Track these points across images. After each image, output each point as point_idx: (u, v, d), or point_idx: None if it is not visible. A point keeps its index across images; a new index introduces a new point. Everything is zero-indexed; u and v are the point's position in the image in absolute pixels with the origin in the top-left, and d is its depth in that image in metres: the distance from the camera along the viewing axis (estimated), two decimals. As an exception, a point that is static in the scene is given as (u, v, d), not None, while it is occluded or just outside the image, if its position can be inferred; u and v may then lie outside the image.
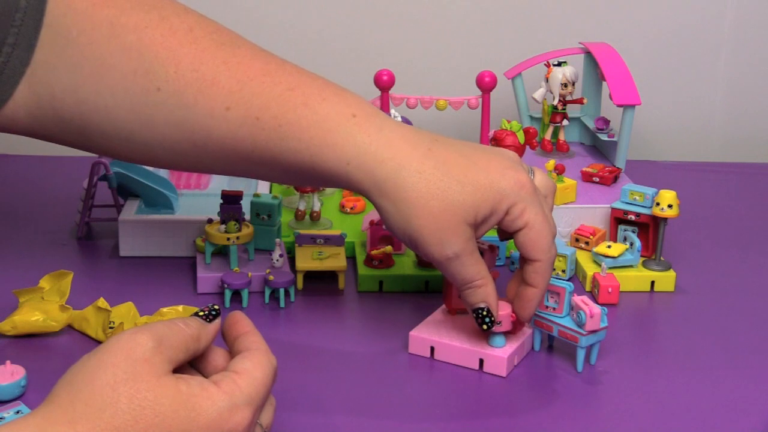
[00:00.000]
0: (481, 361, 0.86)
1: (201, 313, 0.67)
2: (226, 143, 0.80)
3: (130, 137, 0.81)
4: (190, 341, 0.64)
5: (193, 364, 0.67)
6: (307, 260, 1.00)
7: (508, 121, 1.09)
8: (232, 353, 0.67)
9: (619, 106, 1.17)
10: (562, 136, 1.26)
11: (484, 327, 0.83)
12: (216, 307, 0.68)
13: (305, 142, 0.79)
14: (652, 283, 1.03)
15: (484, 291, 0.82)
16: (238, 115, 0.79)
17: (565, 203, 1.10)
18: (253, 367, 0.64)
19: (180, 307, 0.88)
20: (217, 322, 0.67)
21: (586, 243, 1.07)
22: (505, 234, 0.85)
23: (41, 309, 0.88)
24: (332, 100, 0.81)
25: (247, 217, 1.03)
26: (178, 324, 0.64)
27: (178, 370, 0.63)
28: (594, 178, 1.16)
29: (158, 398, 0.59)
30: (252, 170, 0.83)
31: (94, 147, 0.84)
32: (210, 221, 1.01)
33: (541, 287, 0.83)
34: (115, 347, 0.61)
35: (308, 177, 0.81)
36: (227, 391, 0.62)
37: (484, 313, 0.82)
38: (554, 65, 1.23)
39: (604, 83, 1.26)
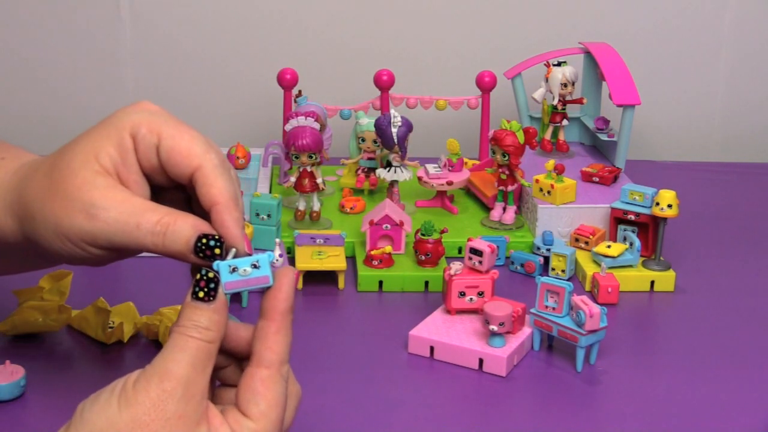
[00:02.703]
0: (481, 361, 0.86)
1: (200, 294, 0.59)
2: None
3: None
4: (209, 364, 0.60)
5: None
6: (307, 260, 1.00)
7: (508, 121, 1.09)
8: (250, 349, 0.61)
9: (619, 106, 1.17)
10: (561, 136, 1.26)
11: (217, 251, 0.60)
12: (209, 272, 0.59)
13: None
14: (652, 283, 1.03)
15: (181, 223, 0.62)
16: None
17: (565, 203, 1.10)
18: (268, 407, 0.60)
19: (180, 307, 0.88)
20: (221, 297, 0.59)
21: (586, 243, 1.07)
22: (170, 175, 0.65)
23: (41, 309, 0.88)
24: None
25: (247, 217, 1.03)
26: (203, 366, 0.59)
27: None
28: (594, 178, 1.16)
29: None
30: None
31: None
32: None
33: (225, 197, 0.63)
34: (144, 407, 0.57)
35: None
36: None
37: (204, 241, 0.61)
38: (554, 65, 1.23)
39: (603, 83, 1.26)
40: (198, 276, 0.59)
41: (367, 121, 1.19)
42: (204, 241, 0.60)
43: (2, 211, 0.67)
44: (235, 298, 0.96)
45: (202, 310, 0.59)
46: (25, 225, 0.66)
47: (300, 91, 1.23)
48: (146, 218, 0.62)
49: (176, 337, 0.59)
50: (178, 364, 0.58)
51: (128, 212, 0.62)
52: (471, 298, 0.91)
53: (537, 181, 1.10)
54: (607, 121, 1.27)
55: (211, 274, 0.58)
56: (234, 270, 0.60)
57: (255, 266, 0.60)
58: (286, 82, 1.22)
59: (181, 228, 0.61)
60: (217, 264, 0.60)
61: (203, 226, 0.61)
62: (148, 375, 0.58)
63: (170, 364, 0.58)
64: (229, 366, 0.64)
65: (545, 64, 1.23)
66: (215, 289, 0.59)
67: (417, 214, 1.14)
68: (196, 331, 0.59)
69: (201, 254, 0.61)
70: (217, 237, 0.61)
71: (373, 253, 1.02)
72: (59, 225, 0.63)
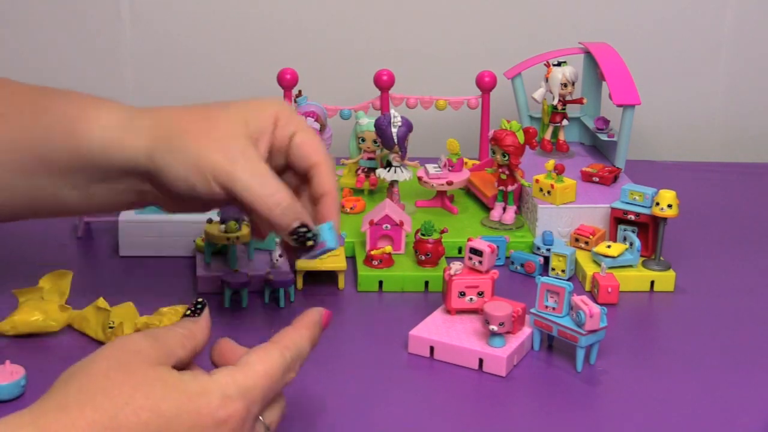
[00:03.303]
0: (481, 361, 0.86)
1: (188, 312, 0.68)
2: None
3: None
4: (184, 339, 0.65)
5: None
6: (307, 260, 1.00)
7: (508, 121, 1.09)
8: None
9: (619, 106, 1.17)
10: (561, 136, 1.26)
11: (309, 243, 0.78)
12: (200, 299, 0.69)
13: (65, 119, 0.79)
14: (652, 282, 1.03)
15: (288, 204, 0.76)
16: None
17: (565, 203, 1.10)
18: (257, 359, 0.65)
19: (180, 307, 0.88)
20: (206, 313, 0.68)
21: (586, 243, 1.07)
22: (286, 160, 0.81)
23: (41, 309, 0.88)
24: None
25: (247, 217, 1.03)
26: (171, 326, 0.66)
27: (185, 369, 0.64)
28: (594, 178, 1.16)
29: (150, 383, 0.59)
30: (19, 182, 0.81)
31: None
32: (210, 221, 1.01)
33: (334, 190, 0.80)
34: (111, 344, 0.63)
35: (71, 167, 0.80)
36: (219, 382, 0.62)
37: (304, 230, 0.77)
38: (554, 65, 1.23)
39: (603, 83, 1.26)
40: (190, 310, 0.69)
41: (367, 121, 1.19)
42: (302, 230, 0.76)
43: (131, 134, 0.77)
44: (236, 297, 0.96)
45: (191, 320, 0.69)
46: (154, 149, 0.76)
47: (300, 91, 1.23)
48: (271, 184, 0.76)
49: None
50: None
51: (259, 172, 0.76)
52: (471, 298, 0.91)
53: (537, 181, 1.10)
54: (607, 121, 1.27)
55: (200, 305, 0.69)
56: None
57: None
58: (286, 82, 1.22)
59: (292, 209, 0.76)
60: (321, 228, 0.78)
61: (306, 218, 0.77)
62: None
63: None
64: None
65: (545, 64, 1.23)
66: (201, 310, 0.69)
67: (417, 214, 1.14)
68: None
69: (294, 236, 0.77)
70: (312, 229, 0.77)
71: (373, 253, 1.02)
72: (200, 157, 0.75)
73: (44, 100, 0.81)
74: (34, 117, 0.80)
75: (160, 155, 0.76)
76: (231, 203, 0.78)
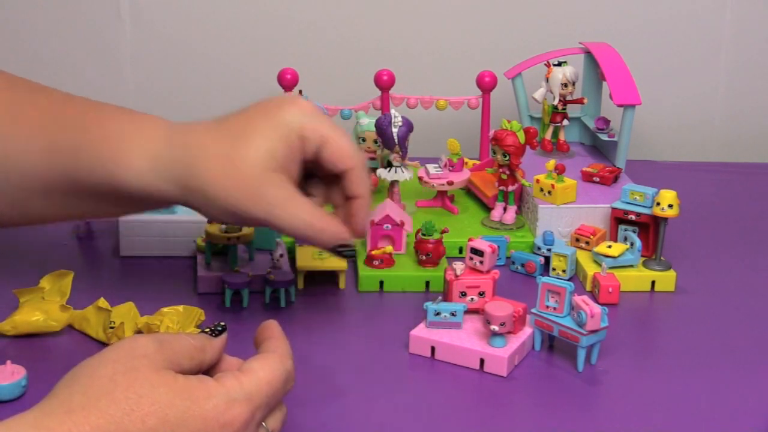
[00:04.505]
0: (482, 361, 0.86)
1: (207, 330, 0.68)
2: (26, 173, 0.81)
3: None
4: (194, 350, 0.65)
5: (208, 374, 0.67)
6: (308, 260, 1.00)
7: (508, 121, 1.09)
8: None
9: (619, 106, 1.17)
10: (562, 136, 1.26)
11: (347, 254, 0.83)
12: (223, 324, 0.69)
13: (101, 158, 0.79)
14: (653, 283, 1.03)
15: (330, 231, 0.80)
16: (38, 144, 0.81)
17: (565, 203, 1.10)
18: (259, 366, 0.65)
19: (180, 307, 0.88)
20: (224, 336, 0.68)
21: (587, 243, 1.07)
22: (321, 169, 0.83)
23: (41, 309, 0.88)
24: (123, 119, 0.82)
25: (248, 217, 1.03)
26: (183, 335, 0.66)
27: None
28: (594, 178, 1.16)
29: (155, 389, 0.59)
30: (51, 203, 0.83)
31: None
32: (210, 221, 1.01)
33: (366, 193, 0.82)
34: (117, 346, 0.62)
35: (108, 197, 0.81)
36: (226, 385, 0.62)
37: (343, 249, 0.82)
38: (554, 65, 1.23)
39: (604, 83, 1.26)
40: (209, 328, 0.70)
41: (368, 121, 1.19)
42: (342, 248, 0.81)
43: (164, 181, 0.78)
44: (236, 297, 0.96)
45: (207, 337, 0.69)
46: (188, 194, 0.78)
47: (300, 91, 1.23)
48: (308, 215, 0.79)
49: None
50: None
51: (295, 209, 0.78)
52: (472, 298, 0.91)
53: (537, 181, 1.10)
54: (607, 121, 1.27)
55: (220, 327, 0.70)
56: None
57: None
58: (286, 82, 1.22)
59: (333, 234, 0.80)
60: None
61: (346, 235, 0.81)
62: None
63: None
64: None
65: (545, 64, 1.23)
66: (221, 333, 0.69)
67: (417, 214, 1.14)
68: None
69: (334, 252, 0.82)
70: (351, 246, 0.82)
71: (373, 253, 1.02)
72: (230, 205, 0.77)
73: (77, 129, 0.81)
74: (71, 152, 0.80)
75: (194, 202, 0.79)
76: None
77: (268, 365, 0.66)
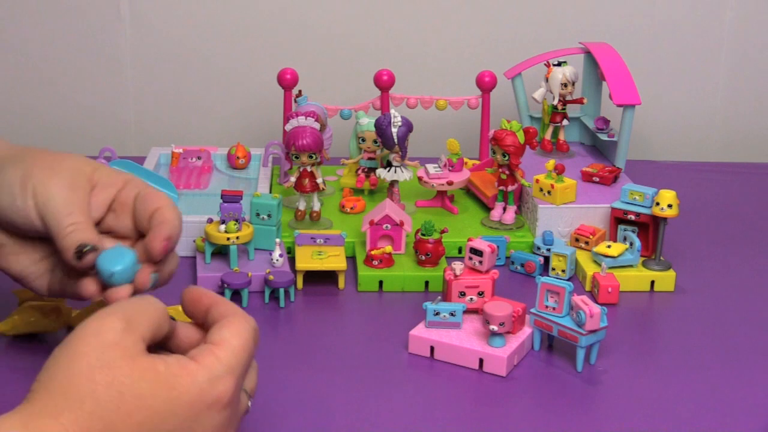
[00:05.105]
0: (481, 361, 0.86)
1: (75, 253, 0.71)
2: None
3: None
4: (161, 318, 0.64)
5: (168, 347, 0.66)
6: (307, 260, 1.00)
7: (508, 121, 1.09)
8: (206, 327, 0.67)
9: (619, 106, 1.17)
10: (562, 136, 1.26)
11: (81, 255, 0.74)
12: (88, 246, 0.71)
13: None
14: (652, 282, 1.03)
15: (83, 230, 0.74)
16: None
17: (565, 203, 1.10)
18: (231, 335, 0.64)
19: (180, 307, 0.88)
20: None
21: (586, 243, 1.07)
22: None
23: (41, 309, 0.88)
24: None
25: (247, 217, 1.03)
26: (148, 300, 0.64)
27: (153, 352, 0.62)
28: (594, 178, 1.16)
29: (136, 382, 0.58)
30: None
31: None
32: (210, 221, 1.01)
33: (175, 220, 0.75)
34: (84, 335, 0.60)
35: None
36: (206, 364, 0.61)
37: (84, 250, 0.73)
38: (554, 65, 1.23)
39: (604, 83, 1.26)
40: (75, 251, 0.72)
41: (368, 121, 1.19)
42: (84, 250, 0.73)
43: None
44: (236, 297, 0.96)
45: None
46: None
47: (300, 91, 1.23)
48: (74, 205, 0.74)
49: None
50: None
51: (70, 193, 0.75)
52: (471, 298, 0.91)
53: (537, 181, 1.10)
54: (607, 121, 1.27)
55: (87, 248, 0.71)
56: None
57: None
58: (286, 82, 1.22)
59: (81, 233, 0.74)
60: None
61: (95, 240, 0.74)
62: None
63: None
64: None
65: (545, 64, 1.23)
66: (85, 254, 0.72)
67: (417, 214, 1.14)
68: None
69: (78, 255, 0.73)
70: (91, 246, 0.74)
71: (373, 253, 1.02)
72: (30, 175, 0.74)
73: None
74: None
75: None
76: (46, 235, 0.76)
77: (237, 330, 0.64)
